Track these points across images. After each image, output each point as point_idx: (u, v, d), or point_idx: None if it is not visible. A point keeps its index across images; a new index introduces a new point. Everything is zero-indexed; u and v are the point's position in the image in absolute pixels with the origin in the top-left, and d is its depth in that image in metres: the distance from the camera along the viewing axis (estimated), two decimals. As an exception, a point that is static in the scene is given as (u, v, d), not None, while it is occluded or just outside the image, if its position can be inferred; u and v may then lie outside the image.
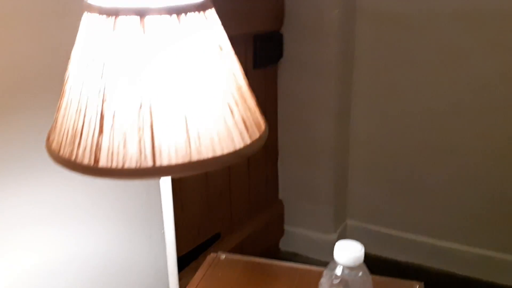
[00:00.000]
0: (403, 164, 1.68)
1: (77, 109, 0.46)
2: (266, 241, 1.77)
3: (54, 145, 0.48)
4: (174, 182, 1.47)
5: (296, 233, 1.81)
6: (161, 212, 1.05)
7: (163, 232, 1.11)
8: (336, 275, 0.61)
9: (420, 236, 1.71)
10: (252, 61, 1.53)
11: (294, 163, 1.77)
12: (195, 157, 0.45)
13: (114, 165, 0.44)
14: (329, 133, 1.68)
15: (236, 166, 1.57)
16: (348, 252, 0.60)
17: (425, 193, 1.68)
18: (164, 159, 0.44)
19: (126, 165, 0.44)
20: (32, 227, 0.71)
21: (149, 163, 0.44)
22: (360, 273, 0.61)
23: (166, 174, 0.45)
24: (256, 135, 0.51)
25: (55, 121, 0.49)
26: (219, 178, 1.52)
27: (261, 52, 1.54)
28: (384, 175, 1.73)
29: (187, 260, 1.43)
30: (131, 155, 0.44)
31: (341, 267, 0.61)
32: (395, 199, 1.73)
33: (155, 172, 0.44)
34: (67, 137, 0.47)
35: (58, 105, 0.50)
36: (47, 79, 0.66)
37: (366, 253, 0.61)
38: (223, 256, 0.98)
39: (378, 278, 0.89)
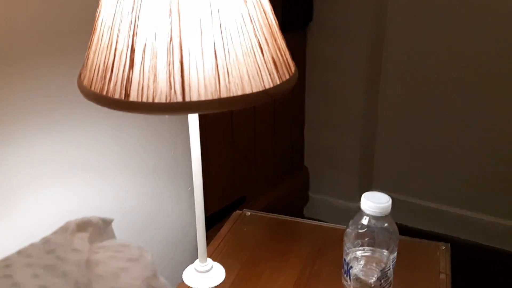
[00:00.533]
0: (431, 133, 1.65)
1: (108, 44, 0.46)
2: (291, 207, 1.78)
3: (85, 82, 0.49)
4: (201, 148, 1.47)
5: (321, 200, 1.81)
6: (188, 170, 1.06)
7: (190, 189, 1.12)
8: (362, 224, 0.61)
9: (447, 206, 1.69)
10: (280, 24, 1.50)
11: (321, 130, 1.75)
12: (224, 94, 0.45)
13: (144, 99, 0.44)
14: (357, 100, 1.65)
15: (261, 130, 1.57)
16: (375, 202, 0.60)
17: (453, 163, 1.64)
18: (194, 95, 0.44)
19: (156, 100, 0.44)
20: (59, 177, 0.73)
21: (178, 98, 0.44)
22: (386, 224, 0.61)
23: (195, 110, 0.45)
24: (286, 76, 0.50)
25: (86, 58, 0.50)
26: (244, 142, 1.52)
27: (289, 15, 1.51)
28: (412, 144, 1.69)
29: (212, 221, 1.46)
30: (161, 90, 0.44)
31: (367, 217, 0.61)
32: (422, 169, 1.70)
33: (184, 107, 0.44)
34: (98, 73, 0.47)
35: (89, 42, 0.50)
36: (77, 20, 0.66)
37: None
38: (248, 213, 1.00)
39: (404, 238, 0.88)
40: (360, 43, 1.57)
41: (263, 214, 1.02)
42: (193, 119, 0.53)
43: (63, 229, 0.31)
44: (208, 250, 0.64)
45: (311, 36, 1.64)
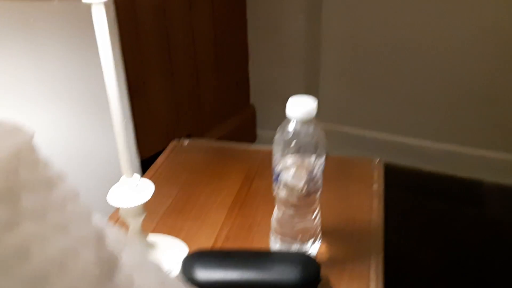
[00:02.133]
0: (374, 62, 1.66)
1: None
2: (238, 145, 1.77)
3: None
4: (138, 85, 1.41)
5: (269, 138, 1.81)
6: (122, 100, 1.01)
7: (126, 122, 1.08)
8: (289, 130, 0.60)
9: (389, 135, 1.74)
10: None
11: (265, 66, 1.73)
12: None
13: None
14: (300, 33, 1.63)
15: (204, 67, 1.52)
16: (299, 106, 0.59)
17: (395, 91, 1.68)
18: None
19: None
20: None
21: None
22: (312, 128, 0.61)
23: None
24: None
25: None
26: (186, 80, 1.47)
27: None
28: (355, 74, 1.71)
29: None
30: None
31: (294, 122, 0.60)
32: (366, 99, 1.73)
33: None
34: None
35: None
36: None
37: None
38: (186, 142, 0.98)
39: (339, 156, 0.90)
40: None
41: (202, 142, 1.00)
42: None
43: None
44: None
45: (251, -34, 1.58)
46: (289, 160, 0.62)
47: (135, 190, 0.60)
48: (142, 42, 1.27)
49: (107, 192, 0.60)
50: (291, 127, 0.60)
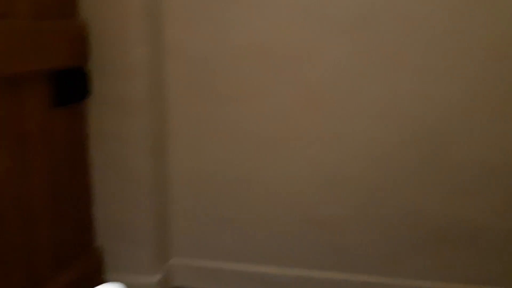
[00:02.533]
0: (226, 195, 1.72)
1: None
2: (83, 294, 1.60)
3: None
4: None
5: (118, 280, 1.68)
6: None
7: None
8: None
9: (245, 265, 1.76)
10: (52, 99, 1.40)
11: (112, 206, 1.66)
12: None
13: None
14: (146, 171, 1.63)
15: (37, 217, 1.40)
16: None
17: (243, 221, 1.73)
18: None
19: None
20: None
21: None
22: None
23: None
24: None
25: None
26: (12, 230, 1.32)
27: (62, 89, 1.42)
28: (208, 208, 1.74)
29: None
30: None
31: None
32: (220, 231, 1.75)
33: None
34: None
35: None
36: None
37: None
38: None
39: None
40: (141, 115, 1.57)
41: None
42: None
43: None
44: None
45: (93, 110, 1.58)
46: None
47: None
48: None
49: None
50: None
